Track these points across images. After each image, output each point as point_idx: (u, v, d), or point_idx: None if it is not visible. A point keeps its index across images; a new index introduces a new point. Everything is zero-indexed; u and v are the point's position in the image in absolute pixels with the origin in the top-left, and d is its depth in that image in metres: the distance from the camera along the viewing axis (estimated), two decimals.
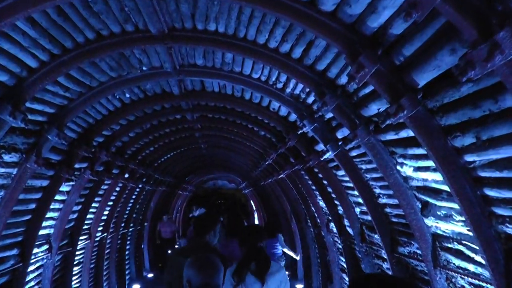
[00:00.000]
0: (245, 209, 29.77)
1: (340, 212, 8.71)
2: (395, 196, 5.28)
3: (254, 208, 28.87)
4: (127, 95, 7.47)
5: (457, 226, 4.50)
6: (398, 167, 5.09)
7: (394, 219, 6.19)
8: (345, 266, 9.35)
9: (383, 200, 6.22)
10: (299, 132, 7.16)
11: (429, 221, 4.99)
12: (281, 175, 11.42)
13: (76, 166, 8.29)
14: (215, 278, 3.26)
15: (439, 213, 4.74)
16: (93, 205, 10.72)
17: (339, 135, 6.30)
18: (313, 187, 9.89)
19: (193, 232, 5.68)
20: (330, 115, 6.16)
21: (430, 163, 4.40)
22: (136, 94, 7.60)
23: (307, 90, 6.08)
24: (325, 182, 8.76)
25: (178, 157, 15.81)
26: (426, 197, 4.86)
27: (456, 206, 4.26)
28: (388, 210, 6.23)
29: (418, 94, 3.75)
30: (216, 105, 8.89)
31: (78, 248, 10.30)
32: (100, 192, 10.95)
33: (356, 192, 7.09)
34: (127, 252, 15.81)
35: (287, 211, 15.01)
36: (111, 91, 6.66)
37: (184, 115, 9.85)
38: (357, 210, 7.58)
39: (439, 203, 4.65)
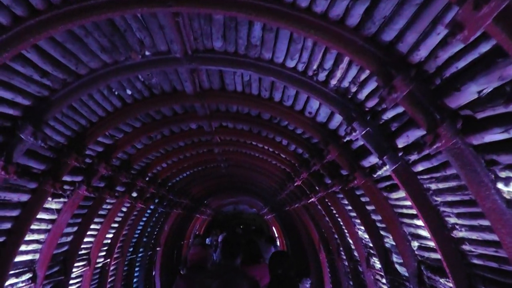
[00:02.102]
0: (268, 235, 28.13)
1: (388, 245, 7.04)
2: (492, 227, 3.61)
3: (276, 235, 27.16)
4: (128, 92, 6.01)
5: None
6: (500, 185, 3.46)
7: (476, 261, 4.50)
8: None
9: (460, 233, 4.56)
10: (345, 140, 5.55)
11: None
12: (312, 199, 9.80)
13: (68, 179, 6.89)
14: None
15: None
16: (93, 226, 9.27)
17: (400, 143, 4.69)
18: (352, 214, 8.25)
19: (219, 256, 5.45)
20: (390, 115, 4.60)
21: None
22: (140, 91, 6.13)
23: (361, 78, 4.49)
24: (368, 208, 7.14)
25: (195, 177, 14.33)
26: None
27: None
28: (467, 247, 4.56)
29: None
30: (239, 111, 7.39)
31: (73, 276, 8.80)
32: (102, 213, 9.50)
33: (416, 221, 5.47)
34: (135, 280, 14.23)
35: (316, 240, 13.31)
36: (105, 81, 5.19)
37: (201, 125, 8.40)
38: (414, 244, 5.90)
39: None
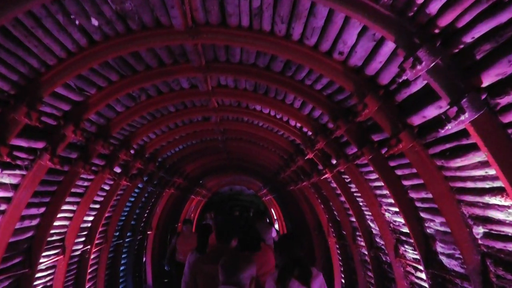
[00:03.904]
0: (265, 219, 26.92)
1: (431, 231, 5.54)
2: None
3: (275, 218, 25.88)
4: (94, 22, 4.36)
5: None
6: None
7: None
8: None
9: None
10: (393, 88, 3.99)
11: None
12: (326, 175, 8.30)
13: (24, 144, 5.37)
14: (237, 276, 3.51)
15: None
16: (67, 207, 7.77)
17: (489, 77, 3.11)
18: (379, 191, 6.77)
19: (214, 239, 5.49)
20: (478, 33, 3.03)
21: None
22: (110, 23, 4.48)
23: None
24: (406, 183, 5.64)
25: (188, 153, 12.75)
26: None
27: None
28: None
29: None
30: (242, 61, 5.81)
31: (42, 267, 7.35)
32: (78, 191, 7.98)
33: (489, 199, 3.94)
34: (122, 268, 12.75)
35: (324, 223, 11.84)
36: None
37: (194, 83, 6.86)
38: (479, 230, 4.39)
39: None
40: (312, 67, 4.90)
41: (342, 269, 11.06)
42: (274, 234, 12.24)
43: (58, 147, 5.88)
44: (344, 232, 9.98)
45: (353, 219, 8.72)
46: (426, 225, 5.60)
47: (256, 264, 4.97)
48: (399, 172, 5.69)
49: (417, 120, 4.35)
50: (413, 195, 5.61)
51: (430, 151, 4.52)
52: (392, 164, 5.73)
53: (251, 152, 13.39)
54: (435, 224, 5.36)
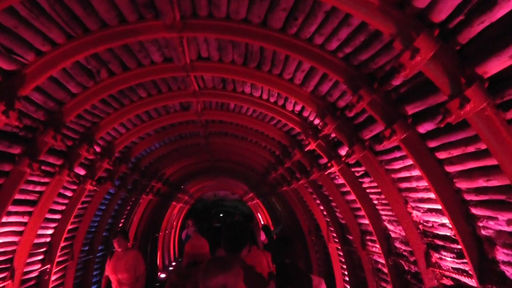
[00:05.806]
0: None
1: (488, 233, 4.13)
2: None
3: (262, 223, 24.52)
4: None
5: None
6: None
7: None
8: None
9: None
10: (456, 23, 2.56)
11: None
12: (331, 169, 6.86)
13: None
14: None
15: None
16: (14, 219, 6.22)
17: None
18: (406, 184, 5.37)
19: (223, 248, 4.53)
20: None
21: None
22: None
23: None
24: (449, 169, 4.24)
25: (167, 153, 11.28)
26: None
27: None
28: None
29: None
30: (230, 14, 4.37)
31: None
32: (29, 198, 6.41)
33: None
34: (94, 287, 11.10)
35: (323, 227, 10.40)
36: None
37: (168, 57, 5.45)
38: None
39: None
40: (334, 3, 3.44)
41: (347, 279, 9.64)
42: (263, 237, 11.49)
43: None
44: (350, 237, 8.55)
45: (363, 221, 7.36)
46: (481, 224, 4.20)
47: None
48: (442, 155, 4.29)
49: (495, 66, 2.87)
50: (461, 185, 4.21)
51: (508, 116, 3.11)
52: (432, 144, 4.33)
53: (238, 150, 11.94)
54: (497, 223, 3.95)
